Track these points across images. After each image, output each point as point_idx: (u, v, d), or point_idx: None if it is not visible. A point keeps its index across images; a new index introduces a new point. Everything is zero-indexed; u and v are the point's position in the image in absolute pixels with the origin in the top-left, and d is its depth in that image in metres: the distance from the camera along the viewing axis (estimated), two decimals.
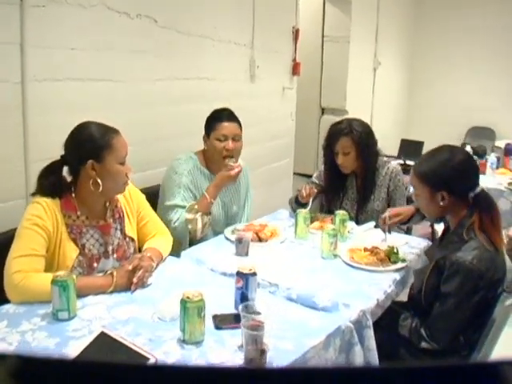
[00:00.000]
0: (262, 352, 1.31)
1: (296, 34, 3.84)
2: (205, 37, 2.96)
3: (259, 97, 3.61)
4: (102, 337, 1.30)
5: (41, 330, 1.44)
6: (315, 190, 2.47)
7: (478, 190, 1.79)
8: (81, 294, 1.62)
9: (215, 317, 1.53)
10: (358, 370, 0.61)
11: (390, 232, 2.24)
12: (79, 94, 2.30)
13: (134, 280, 1.69)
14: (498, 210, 1.81)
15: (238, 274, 1.61)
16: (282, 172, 4.16)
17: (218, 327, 1.49)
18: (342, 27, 4.74)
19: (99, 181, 1.74)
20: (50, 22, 2.13)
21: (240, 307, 1.47)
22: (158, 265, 1.89)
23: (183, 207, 2.23)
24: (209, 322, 1.49)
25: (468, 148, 3.95)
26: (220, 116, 2.32)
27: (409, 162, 3.95)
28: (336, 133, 2.51)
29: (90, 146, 1.74)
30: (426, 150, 5.63)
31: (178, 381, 0.46)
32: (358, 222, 2.62)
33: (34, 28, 2.08)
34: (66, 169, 1.79)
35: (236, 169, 2.21)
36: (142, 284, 1.73)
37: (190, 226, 2.19)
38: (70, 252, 1.74)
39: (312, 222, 2.46)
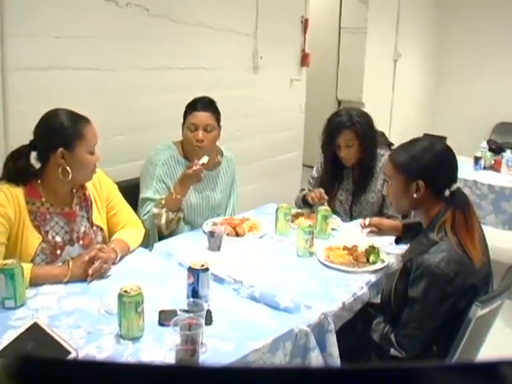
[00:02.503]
0: (193, 353, 1.27)
1: (305, 23, 3.73)
2: (201, 25, 2.91)
3: (263, 88, 3.52)
4: (34, 328, 1.29)
5: None
6: (325, 197, 2.38)
7: (454, 187, 1.68)
8: (36, 283, 1.62)
9: (161, 312, 1.49)
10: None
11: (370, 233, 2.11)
12: (63, 83, 2.30)
13: (90, 271, 1.67)
14: (474, 212, 1.69)
15: (189, 269, 1.56)
16: (291, 164, 4.08)
17: (160, 323, 1.45)
18: (359, 18, 4.59)
19: (68, 169, 1.74)
20: (31, 10, 2.12)
21: (187, 302, 1.43)
22: (123, 257, 1.87)
23: (153, 201, 2.20)
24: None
25: (484, 144, 3.76)
26: (195, 104, 2.25)
27: None
28: (338, 126, 2.42)
29: (61, 134, 1.74)
30: (449, 145, 5.43)
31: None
32: (351, 214, 2.55)
33: (15, 16, 2.08)
34: (34, 154, 1.79)
35: (195, 166, 2.07)
36: (100, 275, 1.71)
37: (155, 221, 2.15)
38: (33, 240, 1.74)
39: (297, 217, 2.40)
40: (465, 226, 1.63)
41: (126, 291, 1.36)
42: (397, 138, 3.34)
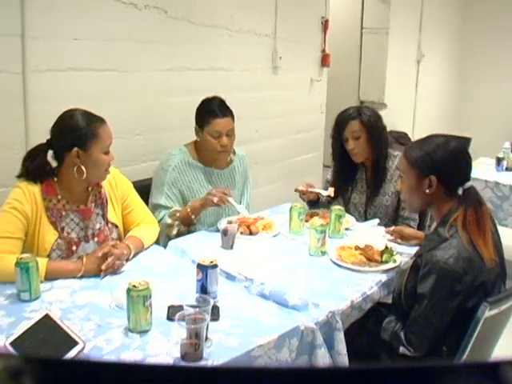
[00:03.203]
0: (198, 347, 1.29)
1: (325, 24, 3.73)
2: (220, 27, 2.94)
3: (283, 88, 3.54)
4: (45, 319, 1.33)
5: (0, 309, 1.50)
6: (302, 188, 2.47)
7: (467, 185, 1.68)
8: (51, 278, 1.68)
9: (170, 307, 1.52)
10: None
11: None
12: (82, 84, 2.36)
13: (103, 267, 1.71)
14: (486, 211, 1.67)
15: (198, 266, 1.59)
16: (311, 165, 4.08)
17: (169, 318, 1.48)
18: (381, 18, 4.56)
19: (83, 168, 1.78)
20: (51, 13, 2.19)
21: (195, 298, 1.46)
22: (137, 253, 1.91)
23: (166, 208, 2.25)
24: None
25: (507, 144, 3.69)
26: (212, 109, 2.28)
27: None
28: (344, 118, 2.44)
29: (75, 134, 1.78)
30: (474, 147, 5.32)
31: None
32: (366, 217, 2.53)
33: (36, 19, 2.15)
34: (50, 153, 1.84)
35: (215, 198, 2.13)
36: (113, 271, 1.75)
37: (166, 231, 2.20)
38: (49, 236, 1.79)
39: (312, 216, 2.40)
40: (476, 223, 1.62)
41: (134, 286, 1.39)
42: None
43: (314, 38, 3.72)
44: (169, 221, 2.20)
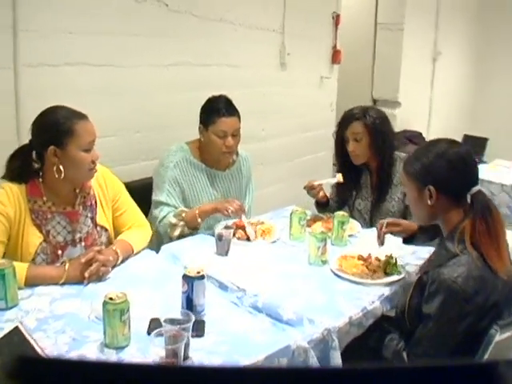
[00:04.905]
0: None
1: (337, 19, 3.59)
2: (225, 21, 2.82)
3: (291, 85, 3.41)
4: (14, 332, 1.24)
5: None
6: (314, 184, 2.37)
7: (474, 190, 1.52)
8: (32, 284, 1.59)
9: (151, 321, 1.42)
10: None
11: (382, 243, 1.95)
12: (77, 80, 2.26)
13: (86, 274, 1.62)
14: (498, 217, 1.51)
15: (184, 277, 1.48)
16: (320, 164, 3.94)
17: (149, 333, 1.38)
18: (397, 13, 4.39)
19: (61, 167, 1.69)
20: (44, 6, 2.10)
21: (180, 312, 1.36)
22: (125, 258, 1.82)
23: (167, 205, 2.16)
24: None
25: None
26: (219, 108, 2.17)
27: None
28: (347, 118, 2.32)
29: (51, 131, 1.69)
30: (490, 147, 5.10)
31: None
32: (372, 224, 2.40)
33: (28, 11, 2.06)
34: (34, 152, 1.76)
35: (230, 208, 2.05)
36: (98, 278, 1.66)
37: (168, 230, 2.11)
38: (33, 239, 1.71)
39: (315, 221, 2.29)
40: (487, 234, 1.46)
41: (110, 298, 1.30)
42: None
43: (325, 33, 3.59)
44: (173, 220, 2.10)
